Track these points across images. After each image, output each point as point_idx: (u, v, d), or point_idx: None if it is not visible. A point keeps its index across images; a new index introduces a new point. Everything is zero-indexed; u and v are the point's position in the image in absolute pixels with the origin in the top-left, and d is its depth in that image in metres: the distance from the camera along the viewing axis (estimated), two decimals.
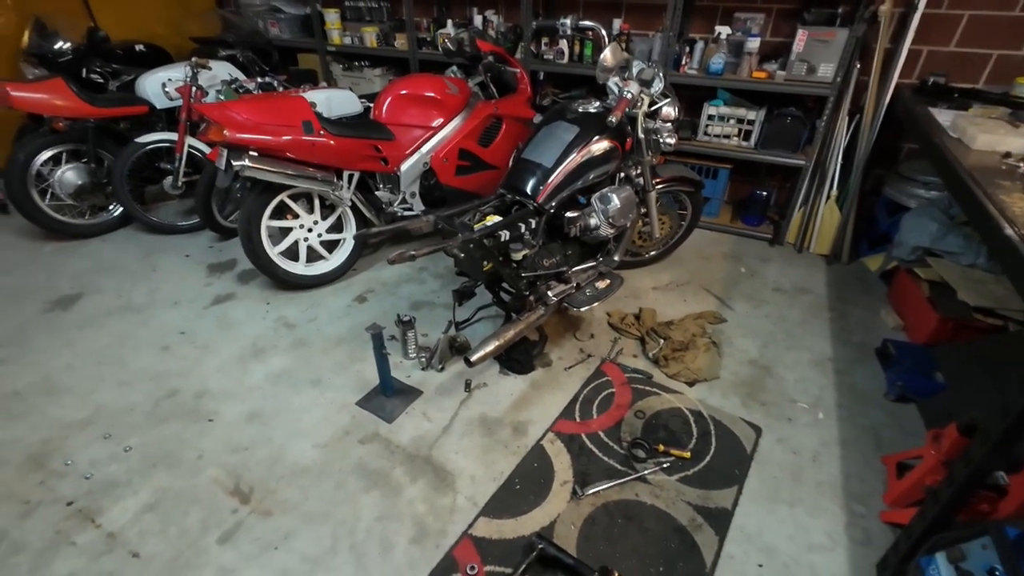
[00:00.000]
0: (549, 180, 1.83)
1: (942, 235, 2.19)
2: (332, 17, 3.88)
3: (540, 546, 1.40)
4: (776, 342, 2.28)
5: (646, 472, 1.68)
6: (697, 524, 1.53)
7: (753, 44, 2.75)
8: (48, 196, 2.90)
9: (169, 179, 3.02)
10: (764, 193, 3.16)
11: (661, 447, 1.75)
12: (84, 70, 3.34)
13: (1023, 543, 1.04)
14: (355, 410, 1.93)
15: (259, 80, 3.02)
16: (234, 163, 2.12)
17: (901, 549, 1.31)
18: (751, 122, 2.92)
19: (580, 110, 1.94)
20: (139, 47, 3.71)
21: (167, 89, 2.99)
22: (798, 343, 2.27)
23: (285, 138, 2.22)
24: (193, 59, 2.88)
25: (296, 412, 1.92)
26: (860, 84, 2.71)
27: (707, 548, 1.47)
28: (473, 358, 1.71)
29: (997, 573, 1.04)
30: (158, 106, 3.06)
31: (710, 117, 3.01)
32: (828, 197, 2.89)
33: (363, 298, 2.58)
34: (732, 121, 2.97)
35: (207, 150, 2.99)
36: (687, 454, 1.73)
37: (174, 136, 2.96)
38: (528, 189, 1.83)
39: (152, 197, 3.37)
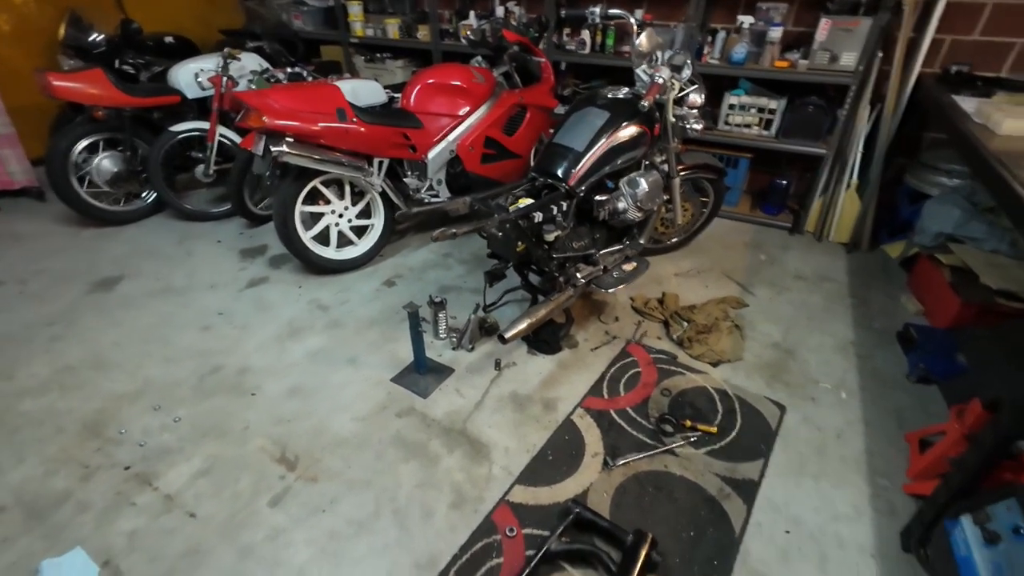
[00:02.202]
0: (580, 164, 1.88)
1: (965, 221, 2.22)
2: (355, 9, 3.96)
3: (576, 510, 1.47)
4: (798, 327, 2.32)
5: (674, 445, 1.74)
6: (725, 494, 1.59)
7: (775, 33, 2.77)
8: (86, 183, 3.00)
9: (201, 167, 3.11)
10: (784, 182, 3.18)
11: (688, 422, 1.81)
12: (117, 61, 3.44)
13: None
14: (390, 386, 2.01)
15: (288, 70, 3.10)
16: (272, 149, 2.20)
17: (926, 516, 1.37)
18: (772, 111, 2.95)
19: (610, 96, 1.99)
20: (168, 39, 3.81)
21: (200, 79, 3.07)
22: (820, 328, 2.31)
23: (320, 125, 2.30)
24: (226, 50, 2.96)
25: (335, 388, 2.00)
26: (882, 73, 2.73)
27: (736, 516, 1.53)
28: (507, 335, 1.77)
29: (1022, 531, 1.09)
30: (189, 96, 3.14)
31: (731, 106, 3.04)
32: (848, 186, 2.92)
33: (391, 282, 2.66)
34: (753, 110, 3.00)
35: (238, 139, 3.07)
36: (714, 429, 1.79)
37: (206, 125, 3.05)
38: (560, 172, 1.89)
39: (183, 185, 3.46)
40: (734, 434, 1.79)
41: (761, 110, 2.98)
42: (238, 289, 2.59)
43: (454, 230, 1.55)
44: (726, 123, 3.10)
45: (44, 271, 2.70)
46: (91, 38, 3.37)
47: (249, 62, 3.19)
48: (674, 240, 2.85)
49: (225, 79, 2.98)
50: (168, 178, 3.18)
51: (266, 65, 3.23)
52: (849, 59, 2.65)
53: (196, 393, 1.97)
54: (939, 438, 1.63)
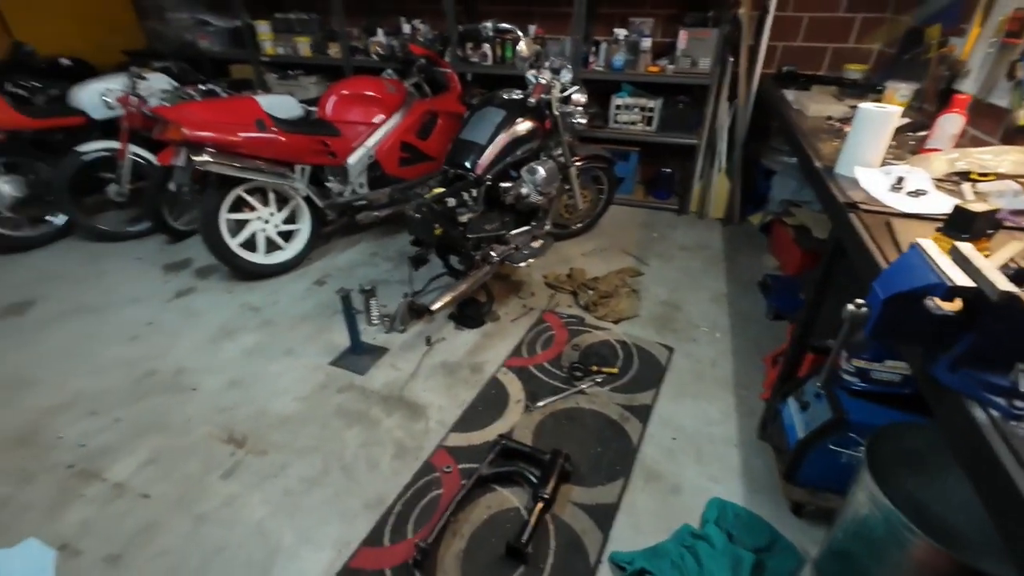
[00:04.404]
0: (484, 155, 2.17)
1: (799, 189, 2.75)
2: (264, 29, 4.06)
3: (503, 442, 1.72)
4: (683, 286, 2.74)
5: (584, 386, 2.05)
6: (625, 417, 1.91)
7: (646, 43, 3.25)
8: None
9: (114, 187, 3.09)
10: (669, 171, 3.68)
11: (595, 368, 2.13)
12: (7, 84, 3.32)
13: (836, 375, 1.49)
14: (329, 369, 2.17)
15: (202, 87, 3.16)
16: (194, 159, 2.31)
17: (771, 408, 1.75)
18: (651, 110, 3.43)
19: (505, 97, 2.31)
20: (64, 61, 3.72)
21: (107, 99, 3.06)
22: (700, 285, 2.75)
23: (241, 135, 2.43)
24: (132, 69, 2.99)
25: (274, 376, 2.13)
26: (735, 75, 3.28)
27: (633, 432, 1.85)
28: (433, 307, 2.01)
29: (820, 394, 1.48)
30: (95, 116, 3.11)
31: (617, 107, 3.49)
32: (719, 170, 3.44)
33: (322, 282, 2.80)
34: (636, 110, 3.46)
35: (151, 157, 3.08)
36: (615, 370, 2.12)
37: (116, 144, 3.04)
38: (467, 163, 2.17)
39: (95, 206, 3.38)
40: (632, 373, 2.13)
41: (642, 109, 3.45)
42: (165, 300, 2.63)
43: (376, 213, 1.77)
44: (615, 122, 3.54)
45: None
46: None
47: (157, 81, 3.21)
48: (578, 225, 3.22)
49: (134, 98, 3.00)
50: (77, 200, 3.12)
51: (176, 84, 3.28)
52: (705, 63, 3.16)
53: (132, 396, 2.02)
54: None
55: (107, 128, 3.16)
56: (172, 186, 2.51)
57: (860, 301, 0.80)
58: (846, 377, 1.45)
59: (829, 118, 2.25)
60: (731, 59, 3.21)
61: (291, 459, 1.76)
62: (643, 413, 1.93)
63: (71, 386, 2.07)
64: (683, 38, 3.15)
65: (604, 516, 1.56)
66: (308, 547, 1.48)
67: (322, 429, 1.87)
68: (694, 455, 1.76)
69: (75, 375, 2.12)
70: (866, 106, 1.51)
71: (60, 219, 3.16)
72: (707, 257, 3.03)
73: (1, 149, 2.84)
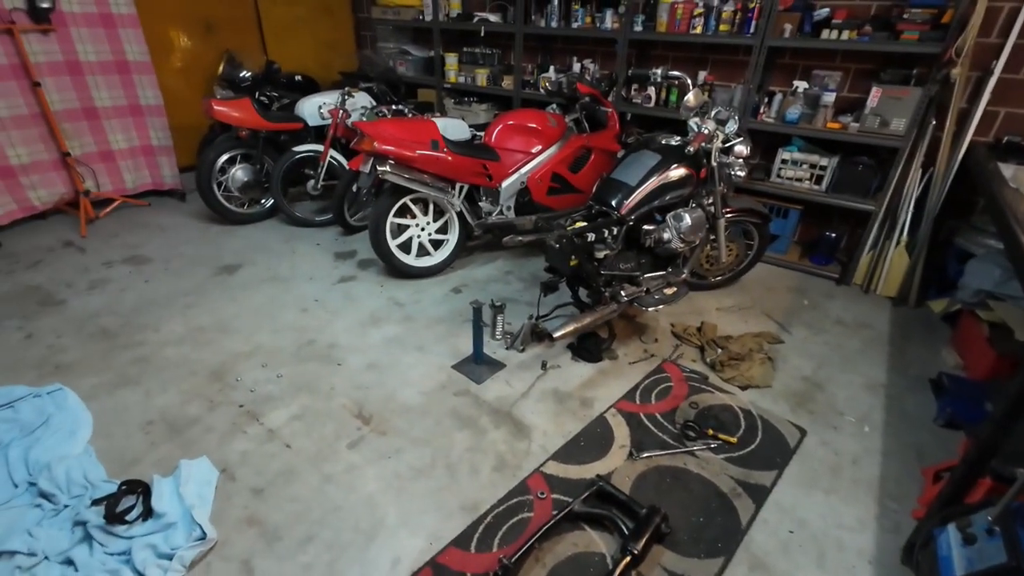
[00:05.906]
0: (631, 196, 2.20)
1: (1004, 280, 2.31)
2: (451, 60, 4.58)
3: (600, 483, 1.71)
4: (831, 365, 2.45)
5: (695, 448, 1.94)
6: (737, 493, 1.77)
7: (829, 98, 3.01)
8: (221, 188, 3.66)
9: (311, 182, 3.70)
10: (834, 235, 3.33)
11: (711, 432, 2.00)
12: (257, 93, 4.18)
13: (1022, 511, 1.23)
14: (451, 371, 2.34)
15: (393, 107, 3.67)
16: (378, 168, 2.68)
17: (925, 529, 1.49)
18: (823, 168, 3.15)
19: (663, 142, 2.32)
20: (297, 77, 4.58)
21: (322, 111, 3.70)
22: (853, 368, 2.43)
23: (418, 152, 2.77)
24: (346, 88, 3.58)
25: (404, 367, 2.36)
26: (936, 139, 2.88)
27: (744, 511, 1.70)
28: (556, 334, 2.08)
29: (994, 531, 1.23)
30: (311, 124, 3.78)
31: (783, 161, 3.26)
32: (898, 243, 3.03)
33: (458, 290, 3.04)
34: (805, 166, 3.21)
35: (345, 161, 3.65)
36: (734, 440, 1.97)
37: (320, 148, 3.65)
38: (613, 202, 2.21)
39: (293, 195, 4.08)
40: (753, 447, 1.96)
41: (812, 166, 3.18)
42: (331, 283, 3.07)
43: (520, 238, 1.90)
44: (778, 176, 3.31)
45: (182, 255, 3.32)
46: (241, 74, 4.14)
47: (361, 99, 3.81)
48: (718, 278, 3.06)
49: (341, 112, 3.58)
50: (283, 189, 3.80)
51: (374, 102, 3.85)
52: (899, 124, 2.83)
53: (295, 358, 2.40)
54: None
55: (318, 133, 3.83)
56: (355, 188, 2.94)
57: None
58: None
59: None
60: (933, 122, 2.83)
61: (406, 445, 1.93)
62: (759, 494, 1.77)
63: (255, 339, 2.51)
64: (875, 95, 2.86)
65: None
66: (405, 530, 1.62)
67: (435, 425, 2.03)
68: (814, 558, 1.56)
69: (259, 331, 2.58)
70: None
71: (269, 202, 3.87)
72: (867, 338, 2.67)
73: (243, 143, 3.58)
